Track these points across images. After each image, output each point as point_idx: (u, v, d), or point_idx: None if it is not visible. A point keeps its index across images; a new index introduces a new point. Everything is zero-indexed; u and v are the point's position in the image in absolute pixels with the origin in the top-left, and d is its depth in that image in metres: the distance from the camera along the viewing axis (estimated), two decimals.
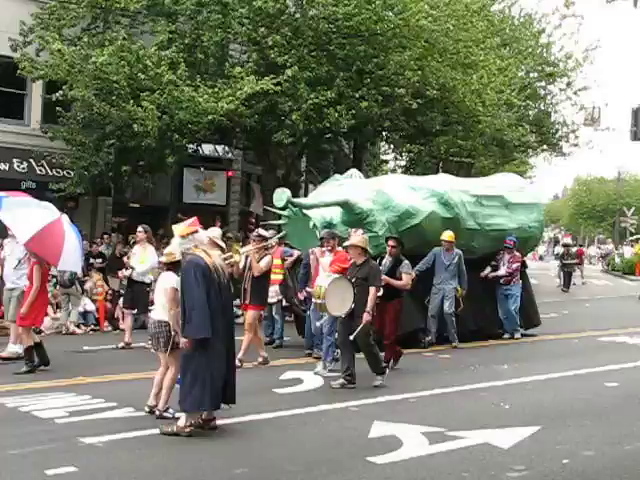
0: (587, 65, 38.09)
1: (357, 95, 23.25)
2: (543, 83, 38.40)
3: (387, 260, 13.91)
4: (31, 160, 24.88)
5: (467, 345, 17.00)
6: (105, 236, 23.60)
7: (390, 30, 23.17)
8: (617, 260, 52.07)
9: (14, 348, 14.04)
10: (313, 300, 12.82)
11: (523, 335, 18.53)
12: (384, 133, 30.21)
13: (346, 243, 12.85)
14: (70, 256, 13.60)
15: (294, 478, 7.63)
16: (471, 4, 27.00)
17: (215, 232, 12.12)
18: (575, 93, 38.68)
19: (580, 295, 33.57)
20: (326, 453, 8.50)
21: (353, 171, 18.80)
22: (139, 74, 21.11)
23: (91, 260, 20.61)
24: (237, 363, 13.16)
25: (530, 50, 35.66)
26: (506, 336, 18.17)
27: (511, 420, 9.98)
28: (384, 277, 13.42)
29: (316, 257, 14.11)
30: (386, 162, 38.27)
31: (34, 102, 25.85)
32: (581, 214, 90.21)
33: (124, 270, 16.94)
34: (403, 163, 37.79)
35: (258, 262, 13.94)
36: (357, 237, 12.57)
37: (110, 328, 19.24)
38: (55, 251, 13.33)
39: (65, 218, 13.80)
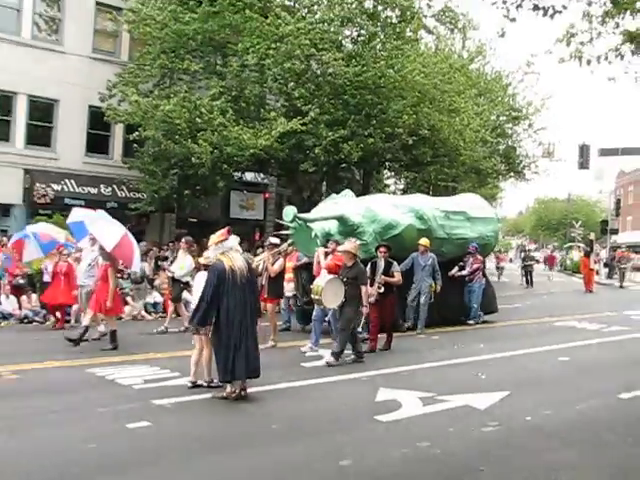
0: (544, 110, 38.01)
1: (365, 133, 23.28)
2: (510, 124, 38.23)
3: (380, 263, 13.74)
4: (114, 185, 24.99)
5: (452, 329, 16.90)
6: (170, 244, 23.64)
7: (391, 83, 23.19)
8: (568, 262, 51.95)
9: (102, 328, 14.10)
10: (312, 296, 12.59)
11: (484, 322, 18.13)
12: (387, 163, 30.17)
13: (340, 248, 12.77)
14: (138, 259, 14.09)
15: (318, 431, 7.67)
16: (454, 64, 27.07)
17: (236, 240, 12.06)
18: (535, 132, 38.51)
19: (540, 290, 33.37)
20: (343, 413, 8.51)
21: (346, 191, 18.27)
22: (196, 118, 21.23)
23: (159, 262, 20.65)
24: (272, 343, 13.30)
25: (500, 99, 35.58)
26: (471, 322, 17.70)
27: (486, 387, 9.96)
28: (383, 277, 13.45)
29: (318, 255, 13.73)
30: (388, 186, 38.21)
31: (116, 141, 26.05)
32: (540, 226, 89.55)
33: (167, 272, 16.92)
34: (402, 187, 37.71)
35: (272, 265, 13.81)
36: (349, 244, 12.46)
37: (175, 315, 19.20)
38: (130, 255, 13.64)
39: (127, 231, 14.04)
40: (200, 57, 23.76)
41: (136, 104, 21.79)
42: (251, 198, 30.27)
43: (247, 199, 30.06)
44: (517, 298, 26.86)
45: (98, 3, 25.41)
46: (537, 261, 41.90)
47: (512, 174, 40.36)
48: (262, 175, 28.89)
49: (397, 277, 13.72)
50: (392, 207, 16.75)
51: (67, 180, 24.12)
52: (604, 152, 38.30)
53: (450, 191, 32.54)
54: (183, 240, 16.45)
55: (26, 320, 17.43)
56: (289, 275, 16.02)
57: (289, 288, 16.12)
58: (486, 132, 29.64)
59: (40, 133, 24.78)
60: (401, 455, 6.91)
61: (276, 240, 14.80)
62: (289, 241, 16.19)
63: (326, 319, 13.65)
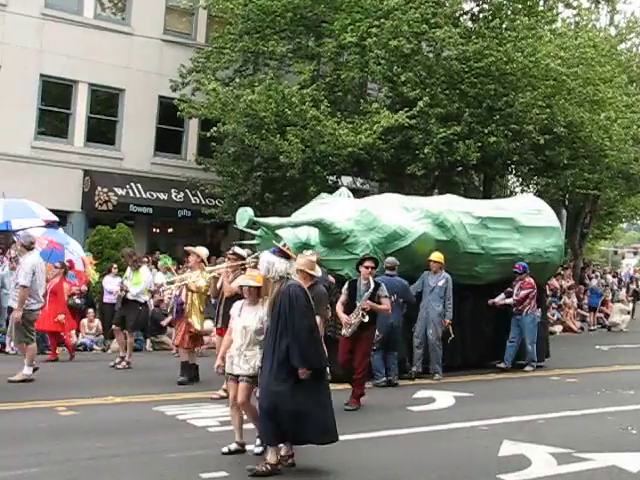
0: None
1: (486, 131, 23.08)
2: None
3: (363, 283, 12.00)
4: (187, 190, 25.52)
5: (592, 370, 16.65)
6: None
7: (520, 70, 22.99)
8: None
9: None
10: None
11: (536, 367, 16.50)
12: (512, 166, 29.81)
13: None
14: None
15: None
16: (599, 44, 26.53)
17: (203, 251, 11.94)
18: None
19: None
20: (458, 469, 8.42)
21: (342, 190, 17.09)
22: (285, 110, 21.50)
23: None
24: (222, 393, 11.62)
25: None
26: (501, 365, 15.96)
27: (639, 444, 9.67)
28: (369, 302, 11.77)
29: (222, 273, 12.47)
30: (514, 194, 37.69)
31: (190, 137, 26.74)
32: None
33: (120, 291, 15.95)
34: (531, 195, 37.16)
35: (231, 282, 11.93)
36: (302, 260, 10.39)
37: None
38: None
39: None
40: (289, 38, 24.13)
41: (214, 94, 22.22)
42: None
43: None
44: None
45: None
46: None
47: None
48: (362, 179, 29.00)
49: (386, 304, 12.11)
50: (402, 211, 15.35)
51: (133, 184, 24.82)
52: None
53: (591, 200, 31.94)
54: (125, 253, 16.26)
55: (81, 347, 17.98)
56: None
57: None
58: (639, 128, 28.91)
59: (102, 128, 25.69)
60: None
61: (242, 251, 12.89)
62: (255, 254, 14.03)
63: None
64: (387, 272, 13.79)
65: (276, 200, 24.21)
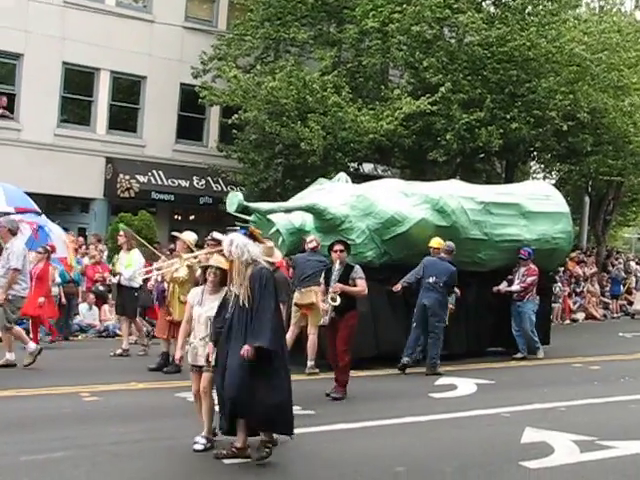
0: None
1: (508, 117, 22.97)
2: None
3: (336, 269, 11.47)
4: (208, 177, 25.55)
5: (615, 357, 16.57)
6: None
7: (543, 56, 22.86)
8: None
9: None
10: None
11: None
12: (535, 153, 29.67)
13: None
14: None
15: (450, 478, 7.61)
16: (624, 29, 26.31)
17: (190, 236, 12.06)
18: None
19: None
20: (480, 456, 8.41)
21: (341, 175, 16.75)
22: (306, 97, 21.50)
23: None
24: None
25: None
26: (518, 355, 15.84)
27: None
28: (339, 284, 11.24)
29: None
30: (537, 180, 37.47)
31: (212, 125, 26.76)
32: None
33: (112, 277, 15.94)
34: (553, 182, 36.92)
35: None
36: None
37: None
38: None
39: None
40: (310, 24, 24.15)
41: (235, 81, 22.26)
42: None
43: None
44: None
45: None
46: None
47: None
48: (383, 166, 28.92)
49: (361, 285, 11.40)
50: (400, 196, 14.92)
51: (155, 171, 24.88)
52: None
53: (615, 187, 31.70)
54: (121, 232, 15.56)
55: (105, 333, 18.11)
56: None
57: None
58: None
59: (124, 116, 25.77)
60: None
61: (221, 236, 13.13)
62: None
63: None
64: (441, 255, 13.84)
65: (297, 187, 24.16)
